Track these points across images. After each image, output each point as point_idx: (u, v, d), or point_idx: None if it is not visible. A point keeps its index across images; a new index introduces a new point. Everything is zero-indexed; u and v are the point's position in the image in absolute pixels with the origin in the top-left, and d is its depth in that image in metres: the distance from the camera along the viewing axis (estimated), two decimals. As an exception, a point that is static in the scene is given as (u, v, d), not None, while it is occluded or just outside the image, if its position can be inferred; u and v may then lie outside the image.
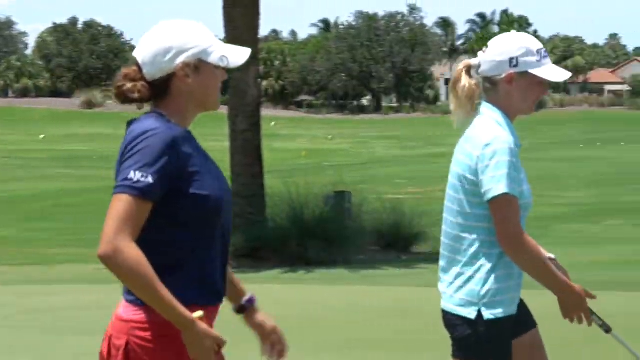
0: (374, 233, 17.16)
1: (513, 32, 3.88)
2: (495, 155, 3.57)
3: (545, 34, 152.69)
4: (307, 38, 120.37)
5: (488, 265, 3.64)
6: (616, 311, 7.13)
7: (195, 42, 3.06)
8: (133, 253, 2.83)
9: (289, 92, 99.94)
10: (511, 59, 3.73)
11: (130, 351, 2.94)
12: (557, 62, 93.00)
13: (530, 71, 3.75)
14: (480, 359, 3.69)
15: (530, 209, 3.69)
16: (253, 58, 16.85)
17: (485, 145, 3.61)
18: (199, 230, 2.99)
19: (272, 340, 3.26)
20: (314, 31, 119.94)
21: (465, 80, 3.76)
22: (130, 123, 3.05)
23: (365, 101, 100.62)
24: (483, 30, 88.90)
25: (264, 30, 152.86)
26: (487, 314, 3.65)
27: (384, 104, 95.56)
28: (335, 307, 9.76)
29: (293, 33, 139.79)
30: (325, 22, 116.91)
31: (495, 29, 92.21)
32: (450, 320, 3.73)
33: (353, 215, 17.27)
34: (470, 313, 3.66)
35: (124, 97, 3.05)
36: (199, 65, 3.06)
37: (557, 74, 3.80)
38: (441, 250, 3.82)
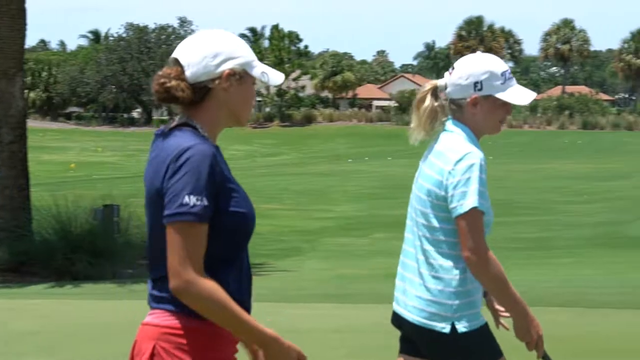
0: (142, 247, 16.96)
1: (479, 53, 3.94)
2: (467, 171, 3.62)
3: (316, 49, 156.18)
4: (76, 49, 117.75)
5: (458, 279, 3.67)
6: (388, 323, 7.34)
7: (242, 52, 3.02)
8: (203, 285, 2.79)
9: (57, 104, 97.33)
10: (475, 83, 3.79)
11: (155, 355, 2.87)
12: (326, 78, 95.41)
13: (494, 95, 3.81)
14: None
15: (491, 225, 3.73)
16: (18, 69, 16.47)
17: (457, 161, 3.65)
18: (233, 246, 2.93)
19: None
20: (84, 42, 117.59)
21: (429, 102, 3.82)
22: (160, 135, 2.97)
23: (135, 114, 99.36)
24: (254, 44, 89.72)
25: (31, 40, 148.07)
26: (461, 327, 3.68)
27: (154, 117, 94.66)
28: (98, 322, 9.60)
29: (62, 44, 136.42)
30: (95, 33, 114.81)
31: (267, 43, 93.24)
32: (422, 334, 3.74)
33: (121, 229, 17.04)
34: (444, 327, 3.68)
35: (165, 95, 2.95)
36: (243, 76, 3.01)
37: (521, 97, 3.85)
38: (404, 261, 3.86)
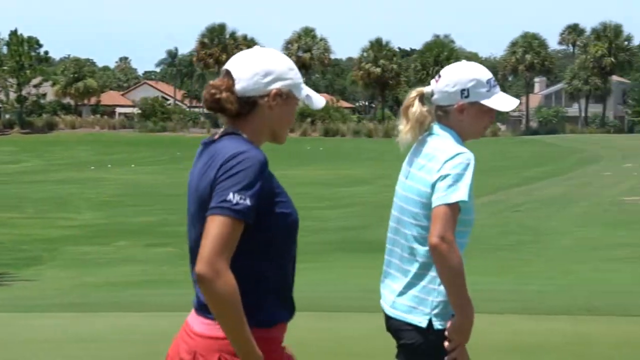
0: None
1: (464, 62, 4.03)
2: (459, 167, 3.72)
3: (57, 55, 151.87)
4: None
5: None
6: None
7: (292, 75, 3.16)
8: (231, 279, 2.87)
9: None
10: (462, 91, 3.92)
11: None
12: (68, 84, 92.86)
13: (480, 101, 3.93)
14: None
15: (472, 225, 3.81)
16: None
17: (447, 159, 3.75)
18: (282, 247, 3.05)
19: None
20: None
21: (417, 107, 3.92)
22: (209, 143, 3.10)
23: None
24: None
25: None
26: (437, 324, 3.76)
27: None
28: None
29: None
30: None
31: (5, 49, 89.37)
32: (399, 326, 3.85)
33: None
34: (422, 322, 3.78)
35: (215, 105, 3.09)
36: (289, 97, 3.14)
37: (505, 104, 3.98)
38: (388, 259, 3.94)
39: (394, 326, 3.89)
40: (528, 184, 28.79)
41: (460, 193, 3.69)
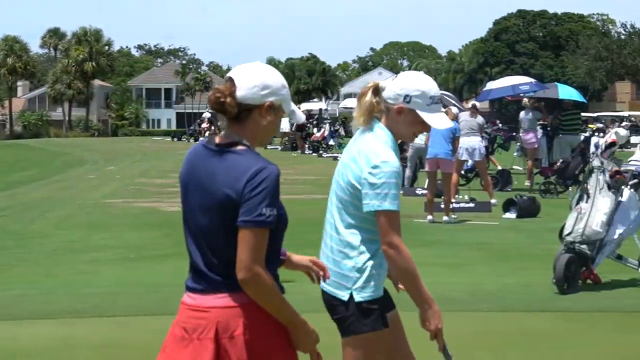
0: None
1: (421, 73, 4.48)
2: (383, 177, 4.19)
3: None
4: None
5: (364, 257, 4.29)
6: None
7: (284, 92, 3.72)
8: (267, 279, 3.51)
9: None
10: (406, 96, 4.35)
11: (246, 329, 3.52)
12: None
13: (417, 111, 4.34)
14: (359, 333, 4.30)
15: None
16: None
17: (374, 166, 4.23)
18: (279, 240, 3.68)
19: (316, 267, 4.09)
20: None
21: (369, 97, 4.38)
22: (215, 150, 3.64)
23: None
24: None
25: None
26: (358, 297, 4.29)
27: None
28: None
29: None
30: None
31: None
32: (330, 301, 4.40)
33: None
34: (344, 296, 4.32)
35: (218, 107, 3.62)
36: (278, 109, 3.69)
37: (438, 122, 4.38)
38: (325, 240, 4.52)
39: (327, 301, 4.42)
40: (12, 189, 28.18)
41: (387, 202, 4.19)
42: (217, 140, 3.69)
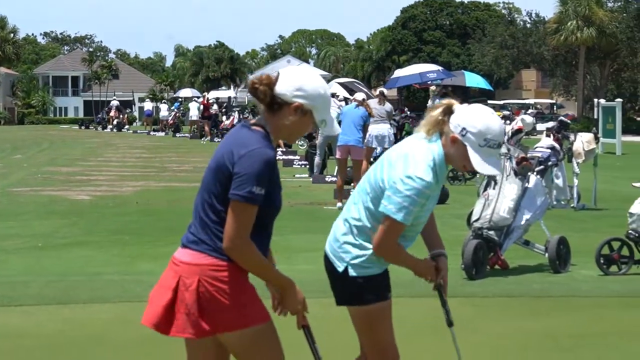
0: None
1: (489, 111, 4.42)
2: (411, 191, 4.32)
3: None
4: None
5: (365, 242, 4.46)
6: None
7: (318, 100, 4.02)
8: (248, 250, 3.93)
9: None
10: (463, 129, 4.37)
11: (200, 287, 3.94)
12: None
13: (468, 148, 4.35)
14: (351, 304, 4.55)
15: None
16: None
17: (409, 176, 4.35)
18: (264, 215, 3.98)
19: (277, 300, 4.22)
20: None
21: (439, 113, 4.48)
22: (244, 126, 4.05)
23: None
24: None
25: None
26: (352, 272, 4.48)
27: None
28: None
29: None
30: None
31: None
32: (328, 266, 4.60)
33: None
34: (340, 267, 4.51)
35: (253, 92, 4.02)
36: (307, 114, 4.02)
37: (483, 167, 4.35)
38: (347, 208, 4.60)
39: (327, 266, 4.58)
40: None
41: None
42: (251, 120, 4.10)
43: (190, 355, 4.17)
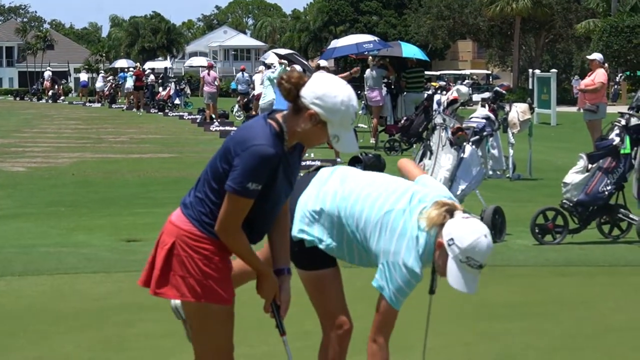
0: None
1: (485, 233, 4.39)
2: (397, 276, 4.55)
3: None
4: None
5: None
6: None
7: (336, 115, 4.00)
8: (237, 236, 4.10)
9: None
10: (451, 239, 4.38)
11: (174, 249, 4.13)
12: None
13: (449, 260, 4.40)
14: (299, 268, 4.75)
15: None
16: None
17: (393, 262, 4.55)
18: (256, 209, 4.11)
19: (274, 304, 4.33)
20: None
21: (440, 213, 4.49)
22: (263, 117, 4.09)
23: None
24: None
25: None
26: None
27: None
28: None
29: None
30: None
31: None
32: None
33: None
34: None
35: (280, 87, 4.04)
36: (320, 123, 4.02)
37: (456, 283, 4.40)
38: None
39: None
40: None
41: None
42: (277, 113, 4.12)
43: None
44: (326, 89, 3.98)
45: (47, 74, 64.78)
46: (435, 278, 4.67)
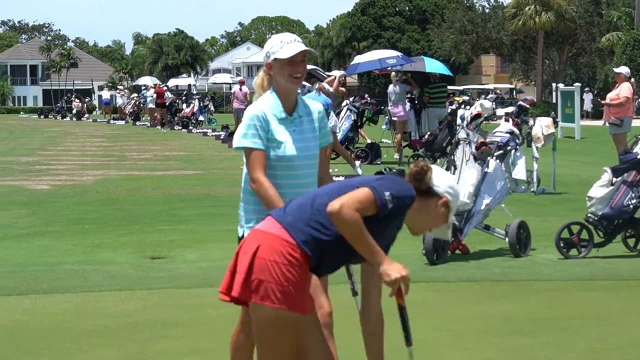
0: None
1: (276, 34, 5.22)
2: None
3: None
4: None
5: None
6: None
7: (457, 201, 4.55)
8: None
9: None
10: (266, 53, 5.15)
11: (258, 253, 4.21)
12: None
13: (275, 56, 5.08)
14: None
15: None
16: None
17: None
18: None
19: None
20: None
21: (259, 78, 5.23)
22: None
23: None
24: None
25: None
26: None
27: None
28: None
29: None
30: None
31: None
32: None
33: None
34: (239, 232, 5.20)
35: (410, 179, 4.46)
36: (447, 209, 4.52)
37: (289, 51, 5.04)
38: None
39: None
40: None
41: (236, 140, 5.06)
42: None
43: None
44: (453, 182, 4.50)
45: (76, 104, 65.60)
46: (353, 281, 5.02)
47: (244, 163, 5.08)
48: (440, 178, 4.43)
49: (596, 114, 48.99)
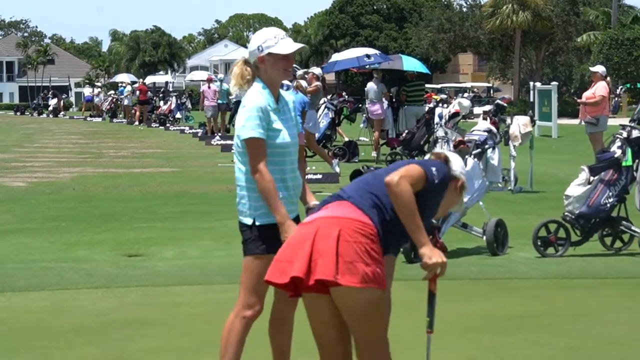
0: None
1: (263, 28, 5.34)
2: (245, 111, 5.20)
3: None
4: None
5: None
6: None
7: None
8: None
9: None
10: (258, 47, 5.25)
11: (341, 236, 4.25)
12: None
13: (270, 51, 5.19)
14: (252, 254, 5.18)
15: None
16: None
17: (243, 106, 5.21)
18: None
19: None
20: None
21: (238, 68, 5.30)
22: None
23: None
24: None
25: None
26: (258, 222, 5.18)
27: None
28: None
29: None
30: None
31: None
32: (240, 227, 5.26)
33: None
34: (248, 220, 5.22)
35: None
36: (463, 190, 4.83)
37: (287, 47, 5.23)
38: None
39: (239, 227, 5.25)
40: None
41: (246, 131, 5.13)
42: None
43: (311, 312, 4.51)
44: (462, 162, 4.73)
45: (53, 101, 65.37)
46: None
47: (237, 159, 5.27)
48: (455, 162, 4.71)
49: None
